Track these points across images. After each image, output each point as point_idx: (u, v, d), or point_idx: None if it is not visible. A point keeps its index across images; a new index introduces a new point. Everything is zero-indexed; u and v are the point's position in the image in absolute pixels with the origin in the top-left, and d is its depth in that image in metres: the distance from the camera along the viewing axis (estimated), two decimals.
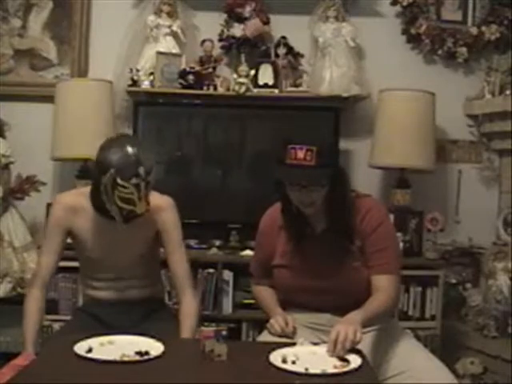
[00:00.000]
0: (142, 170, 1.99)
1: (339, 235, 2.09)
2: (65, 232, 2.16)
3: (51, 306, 3.08)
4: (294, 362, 1.74)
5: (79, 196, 2.19)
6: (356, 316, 1.92)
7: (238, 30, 3.39)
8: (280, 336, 2.07)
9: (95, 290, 2.23)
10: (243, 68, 3.35)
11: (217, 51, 3.45)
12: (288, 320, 2.10)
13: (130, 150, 1.99)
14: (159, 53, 3.32)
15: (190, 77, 3.32)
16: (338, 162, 2.13)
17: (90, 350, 1.76)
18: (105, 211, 2.08)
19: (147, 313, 2.20)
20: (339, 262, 2.10)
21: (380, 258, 2.09)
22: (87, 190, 2.19)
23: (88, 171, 3.30)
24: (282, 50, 3.41)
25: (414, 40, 3.55)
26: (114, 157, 1.99)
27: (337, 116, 3.33)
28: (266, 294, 2.27)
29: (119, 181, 1.98)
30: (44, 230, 2.23)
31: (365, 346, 1.93)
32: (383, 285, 2.06)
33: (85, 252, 2.18)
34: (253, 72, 3.36)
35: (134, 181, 1.99)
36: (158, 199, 2.16)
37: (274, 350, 1.80)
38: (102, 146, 2.06)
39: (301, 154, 1.97)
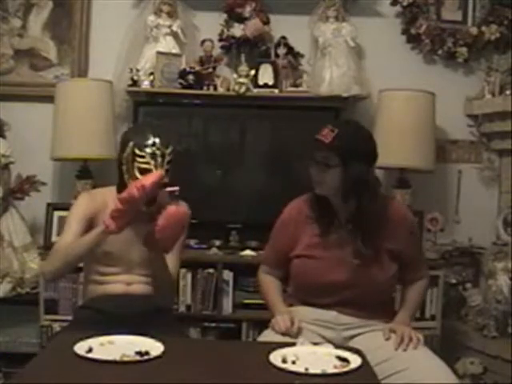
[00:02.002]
0: (157, 140, 2.13)
1: (364, 227, 2.11)
2: (88, 221, 2.19)
3: (51, 306, 3.09)
4: (294, 362, 1.74)
5: (103, 193, 2.29)
6: (406, 320, 2.16)
7: (238, 30, 3.39)
8: (283, 334, 2.07)
9: (102, 285, 2.24)
10: (243, 68, 3.34)
11: (217, 51, 3.44)
12: (294, 320, 2.10)
13: (146, 124, 2.23)
14: (159, 53, 3.32)
15: (190, 77, 3.31)
16: (363, 153, 2.12)
17: (90, 350, 1.76)
18: None
19: (150, 309, 2.21)
20: (365, 257, 2.11)
21: (417, 266, 2.25)
22: (110, 188, 2.30)
23: (88, 171, 3.31)
24: (282, 50, 3.41)
25: (414, 40, 3.55)
26: (132, 132, 2.25)
27: (337, 116, 3.33)
28: (272, 286, 2.28)
29: (136, 151, 2.13)
30: (66, 219, 2.24)
31: (365, 345, 1.94)
32: (420, 277, 2.27)
33: (102, 246, 2.18)
34: (253, 72, 3.35)
35: (149, 150, 2.12)
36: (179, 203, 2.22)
37: (274, 349, 1.80)
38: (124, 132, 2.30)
39: (324, 132, 2.09)
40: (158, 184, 1.99)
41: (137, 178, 2.11)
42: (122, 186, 2.18)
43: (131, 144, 2.14)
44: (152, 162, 2.12)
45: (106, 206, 2.20)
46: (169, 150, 2.15)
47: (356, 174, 2.08)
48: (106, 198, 2.23)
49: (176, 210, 2.04)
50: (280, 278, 2.29)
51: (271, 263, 2.31)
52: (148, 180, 1.97)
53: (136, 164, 2.13)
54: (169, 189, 2.06)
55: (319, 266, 2.15)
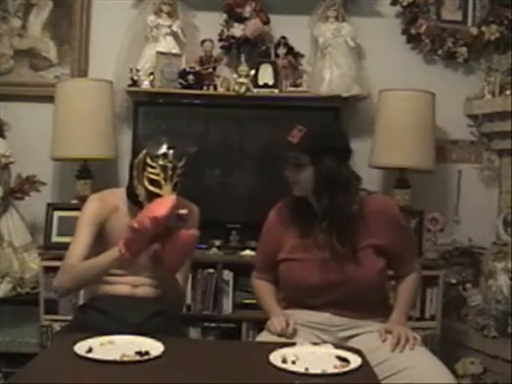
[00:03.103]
0: (170, 152, 2.11)
1: (339, 225, 2.10)
2: (98, 224, 2.18)
3: (51, 306, 3.08)
4: (294, 362, 1.74)
5: (113, 195, 2.27)
6: (401, 319, 2.14)
7: (238, 30, 3.39)
8: (279, 335, 2.07)
9: (108, 284, 2.22)
10: (243, 68, 3.35)
11: (217, 51, 3.44)
12: (289, 321, 2.10)
13: (162, 136, 2.17)
14: (159, 53, 3.32)
15: (190, 77, 3.31)
16: (333, 150, 2.11)
17: (90, 350, 1.76)
18: (138, 201, 2.13)
19: (155, 312, 2.20)
20: (345, 256, 2.10)
21: (406, 252, 2.22)
22: (118, 190, 2.30)
23: (88, 171, 3.31)
24: (282, 50, 3.41)
25: (414, 40, 3.55)
26: (147, 140, 2.22)
27: (337, 116, 3.33)
28: (266, 290, 2.28)
29: (148, 160, 2.10)
30: (77, 223, 2.22)
31: (362, 347, 1.94)
32: (412, 270, 2.24)
33: (108, 250, 2.17)
34: (253, 72, 3.36)
35: (161, 161, 2.09)
36: (187, 204, 2.22)
37: (273, 350, 1.80)
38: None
39: (293, 132, 2.12)
40: (172, 214, 1.96)
41: (145, 188, 2.10)
42: (130, 191, 2.17)
43: (144, 152, 2.11)
44: (162, 175, 2.09)
45: (116, 209, 2.20)
46: (181, 163, 2.12)
47: (327, 172, 2.09)
48: (117, 200, 2.22)
49: (185, 236, 2.03)
50: (272, 281, 2.29)
51: (262, 268, 2.31)
52: (161, 211, 1.93)
53: (146, 173, 2.11)
54: (180, 212, 2.02)
55: (303, 268, 2.15)
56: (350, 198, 2.11)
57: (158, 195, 2.08)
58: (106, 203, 2.22)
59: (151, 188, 2.10)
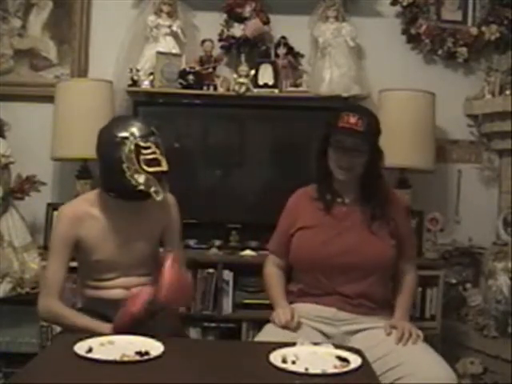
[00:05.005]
0: (154, 128, 2.13)
1: (368, 205, 2.22)
2: (72, 245, 2.15)
3: None
4: (294, 362, 1.74)
5: (82, 204, 2.22)
6: (405, 318, 2.21)
7: (238, 30, 3.39)
8: (283, 327, 2.12)
9: (99, 290, 2.21)
10: (243, 68, 3.35)
11: (217, 51, 3.44)
12: (294, 313, 2.15)
13: (133, 117, 2.19)
14: (159, 53, 3.32)
15: (190, 77, 3.31)
16: (379, 135, 2.25)
17: (90, 350, 1.76)
18: (130, 193, 2.11)
19: (154, 312, 2.19)
20: (366, 232, 2.20)
21: (409, 245, 2.32)
22: (89, 195, 2.26)
23: (88, 171, 3.31)
24: (282, 50, 3.41)
25: (414, 40, 3.55)
26: (127, 126, 2.11)
27: None
28: (275, 281, 2.32)
29: (141, 143, 2.08)
30: (50, 242, 2.21)
31: (365, 342, 1.96)
32: (410, 268, 2.32)
33: (93, 256, 2.17)
34: (253, 72, 3.35)
35: (152, 139, 2.10)
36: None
37: (273, 350, 1.81)
38: (102, 131, 2.18)
39: (353, 120, 2.14)
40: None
41: (146, 172, 2.08)
42: (119, 188, 2.13)
43: (132, 138, 2.08)
44: (157, 151, 2.10)
45: (88, 217, 2.16)
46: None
47: (380, 157, 2.23)
48: (88, 207, 2.18)
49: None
50: (284, 267, 2.33)
51: (276, 250, 2.35)
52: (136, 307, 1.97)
53: (142, 157, 2.08)
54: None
55: (319, 237, 2.21)
56: (382, 182, 2.26)
57: (160, 172, 2.09)
58: (77, 218, 2.15)
59: (152, 169, 2.09)
